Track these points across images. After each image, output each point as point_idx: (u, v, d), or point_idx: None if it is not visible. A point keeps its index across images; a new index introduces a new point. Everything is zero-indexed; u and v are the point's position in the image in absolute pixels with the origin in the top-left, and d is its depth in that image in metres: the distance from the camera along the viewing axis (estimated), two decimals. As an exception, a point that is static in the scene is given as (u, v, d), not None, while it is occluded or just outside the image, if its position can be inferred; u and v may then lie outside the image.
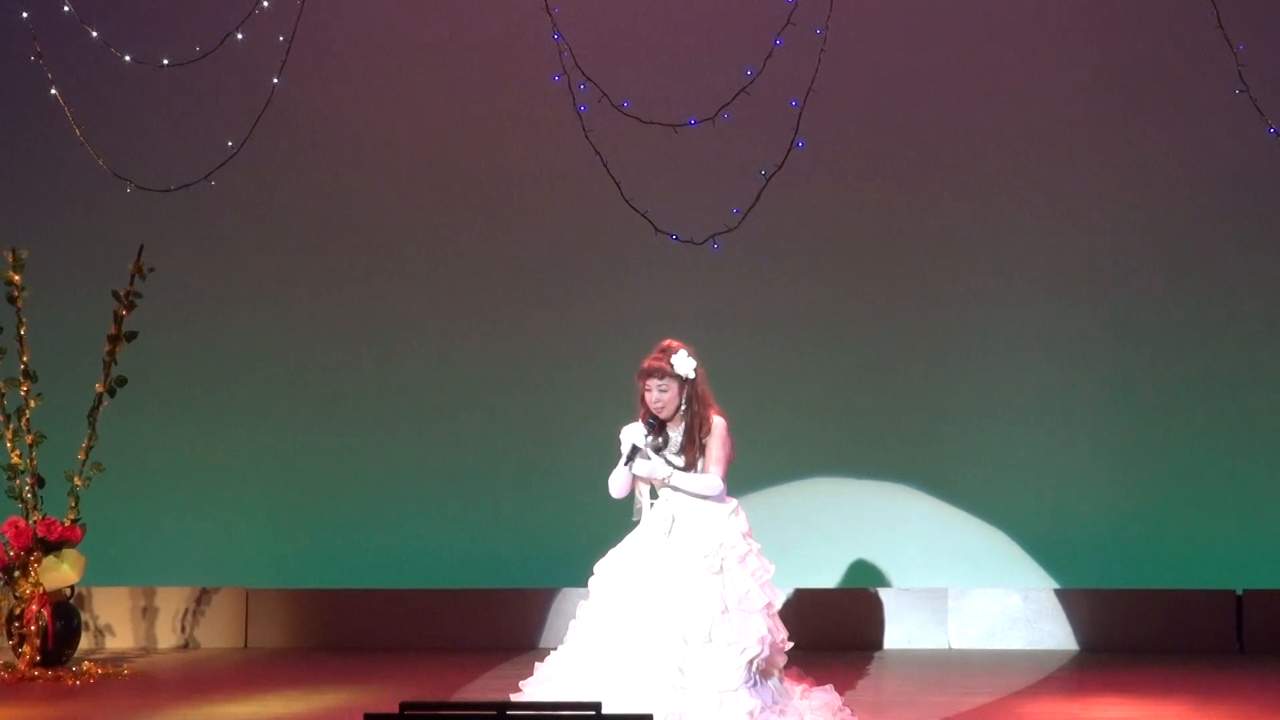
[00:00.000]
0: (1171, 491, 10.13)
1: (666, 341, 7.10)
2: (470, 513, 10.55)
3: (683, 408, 7.05)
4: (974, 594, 10.18)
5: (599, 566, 7.06)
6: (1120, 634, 9.95)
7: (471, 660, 9.36)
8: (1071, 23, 10.37)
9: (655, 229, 10.16)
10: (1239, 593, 9.95)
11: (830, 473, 10.42)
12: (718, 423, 7.10)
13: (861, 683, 8.75)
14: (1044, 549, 10.24)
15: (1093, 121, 10.33)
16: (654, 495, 7.06)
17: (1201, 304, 10.24)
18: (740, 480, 10.30)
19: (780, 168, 10.08)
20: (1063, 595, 10.11)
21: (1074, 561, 10.18)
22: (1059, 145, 10.36)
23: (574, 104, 10.13)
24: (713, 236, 10.16)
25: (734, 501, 7.12)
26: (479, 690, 8.39)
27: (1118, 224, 10.32)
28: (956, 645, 10.14)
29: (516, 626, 10.17)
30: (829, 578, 10.33)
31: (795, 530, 10.35)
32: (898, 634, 10.16)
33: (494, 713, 5.56)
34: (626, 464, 6.95)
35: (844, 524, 10.38)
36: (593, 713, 5.46)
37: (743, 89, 10.01)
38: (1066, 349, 10.30)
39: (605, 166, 10.11)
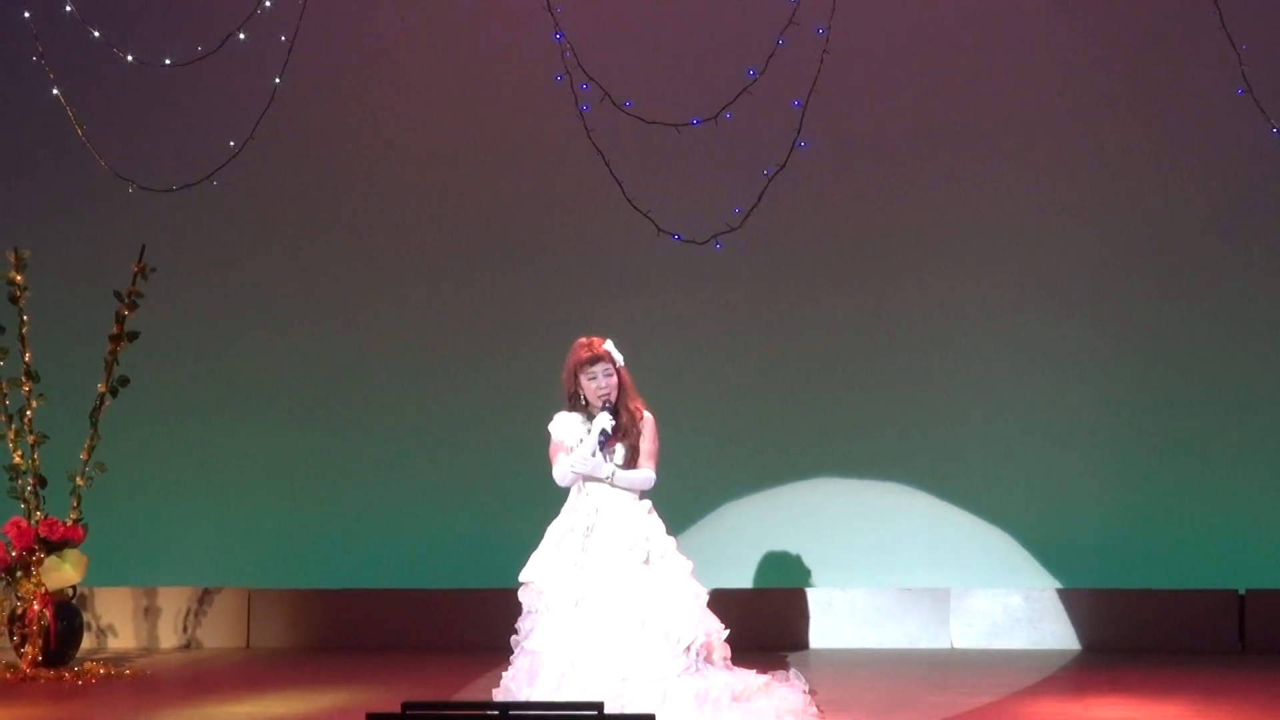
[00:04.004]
0: (1173, 491, 10.12)
1: (585, 339, 7.23)
2: (472, 513, 10.53)
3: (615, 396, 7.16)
4: (976, 594, 10.18)
5: (524, 574, 7.14)
6: (1122, 634, 9.95)
7: (474, 660, 9.35)
8: (1074, 22, 10.36)
9: (658, 229, 10.16)
10: (1241, 592, 9.94)
11: (832, 472, 10.42)
12: (649, 417, 7.23)
13: (863, 683, 8.74)
14: (1046, 549, 10.23)
15: (1098, 122, 10.31)
16: (580, 488, 7.18)
17: (1203, 303, 10.23)
18: (742, 480, 10.40)
19: (783, 167, 10.08)
20: (1065, 595, 10.10)
21: (1076, 561, 10.17)
22: (1063, 146, 10.35)
23: (576, 104, 10.13)
24: (715, 236, 10.16)
25: (648, 502, 7.23)
26: (481, 690, 8.38)
27: (1121, 224, 10.31)
28: (959, 645, 10.13)
29: (518, 626, 10.16)
30: (831, 577, 10.32)
31: (797, 530, 10.36)
32: (900, 634, 10.16)
33: (496, 713, 5.56)
34: (601, 449, 7.04)
35: (846, 524, 10.37)
36: (594, 713, 5.46)
37: (745, 88, 10.00)
38: (1069, 349, 10.29)
39: (608, 166, 10.11)
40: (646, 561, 7.02)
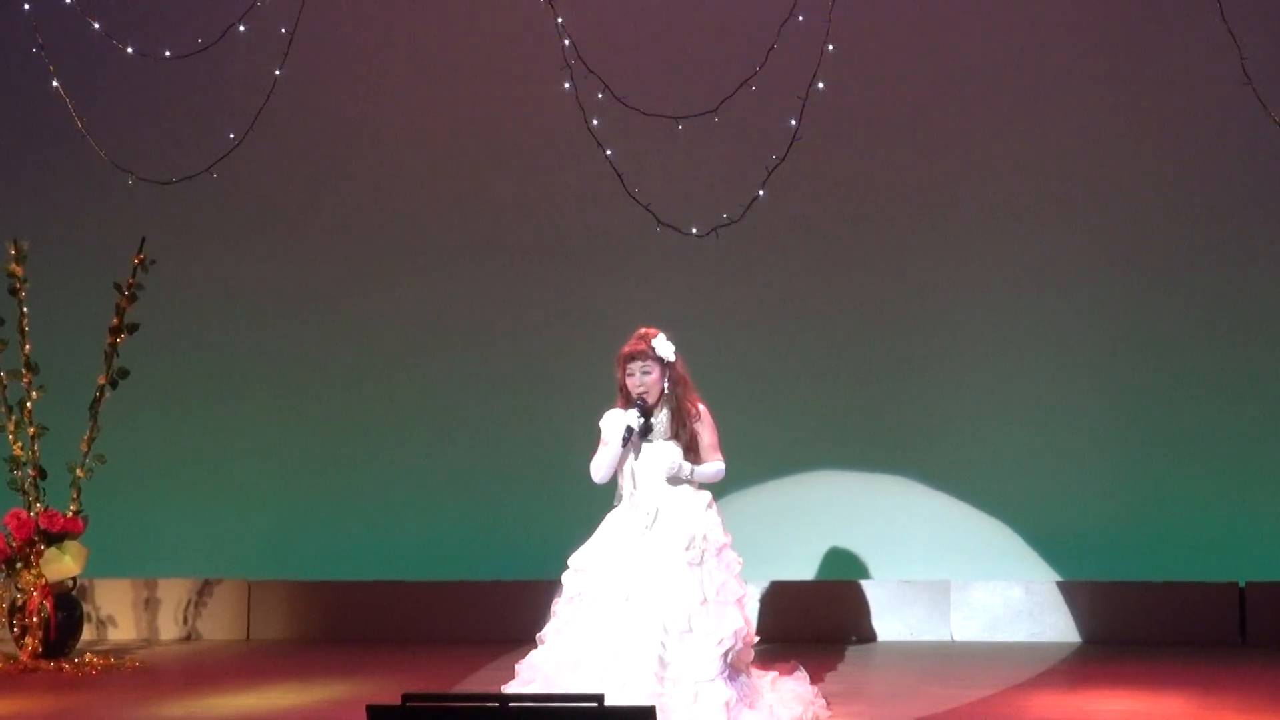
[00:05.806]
0: (1174, 483, 10.12)
1: (643, 329, 7.20)
2: (472, 505, 10.55)
3: (665, 391, 7.10)
4: (976, 586, 10.18)
5: (574, 560, 7.11)
6: (1123, 626, 9.95)
7: (474, 652, 9.36)
8: (1075, 17, 10.35)
9: (658, 221, 10.14)
10: (1242, 585, 9.94)
11: (833, 465, 10.42)
12: (703, 409, 7.21)
13: (863, 675, 8.75)
14: (1046, 541, 10.24)
15: (1097, 116, 10.32)
16: (634, 484, 7.12)
17: (1203, 297, 10.23)
18: (743, 472, 10.36)
19: (783, 160, 10.06)
20: (1065, 587, 10.10)
21: (1076, 554, 10.18)
22: (1063, 140, 10.35)
23: (577, 96, 10.11)
24: (715, 229, 10.15)
25: (708, 494, 7.18)
26: (481, 682, 8.39)
27: (1121, 217, 10.31)
28: (959, 638, 10.14)
29: (519, 618, 10.12)
30: (832, 570, 10.32)
31: (798, 523, 10.36)
32: (900, 626, 10.16)
33: (496, 704, 5.56)
34: (624, 444, 7.02)
35: (847, 517, 10.37)
36: (594, 704, 5.46)
37: (745, 81, 9.99)
38: (1069, 342, 10.30)
39: (608, 159, 10.10)
40: (700, 562, 6.96)
